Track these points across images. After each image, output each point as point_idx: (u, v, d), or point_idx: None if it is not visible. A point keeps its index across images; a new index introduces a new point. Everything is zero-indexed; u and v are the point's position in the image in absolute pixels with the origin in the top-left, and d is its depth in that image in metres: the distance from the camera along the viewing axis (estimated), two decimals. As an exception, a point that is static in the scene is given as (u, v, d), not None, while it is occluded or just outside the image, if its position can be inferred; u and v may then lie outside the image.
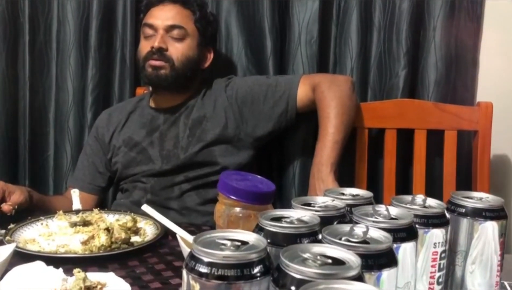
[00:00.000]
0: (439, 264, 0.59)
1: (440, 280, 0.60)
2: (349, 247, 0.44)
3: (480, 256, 0.63)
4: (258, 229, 0.51)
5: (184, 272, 0.44)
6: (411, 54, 1.35)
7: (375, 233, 0.49)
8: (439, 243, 0.59)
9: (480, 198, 0.65)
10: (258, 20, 1.38)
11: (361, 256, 0.43)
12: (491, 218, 0.62)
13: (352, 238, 0.47)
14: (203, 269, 0.42)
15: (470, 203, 0.63)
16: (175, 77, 1.24)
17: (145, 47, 1.26)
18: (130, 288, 0.71)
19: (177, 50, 1.25)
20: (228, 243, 0.44)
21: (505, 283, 0.71)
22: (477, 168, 1.28)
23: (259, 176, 0.79)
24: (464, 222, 0.63)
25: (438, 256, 0.59)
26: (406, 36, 1.34)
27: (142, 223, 1.01)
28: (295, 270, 0.39)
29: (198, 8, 1.29)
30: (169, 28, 1.24)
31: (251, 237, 0.46)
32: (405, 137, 1.33)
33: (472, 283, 0.64)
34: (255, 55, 1.41)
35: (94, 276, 0.72)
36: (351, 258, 0.42)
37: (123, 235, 0.90)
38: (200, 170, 1.23)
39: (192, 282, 0.42)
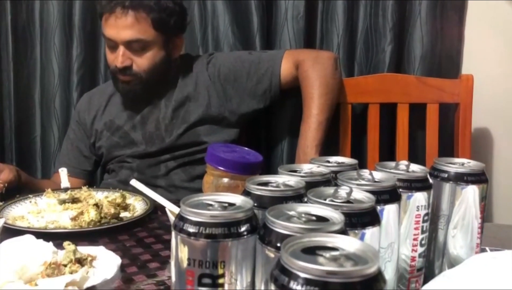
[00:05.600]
0: (422, 227, 0.61)
1: (423, 242, 0.62)
2: (333, 206, 0.45)
3: (461, 220, 0.65)
4: (245, 194, 0.51)
5: (173, 234, 0.44)
6: (397, 29, 1.36)
7: (359, 195, 0.50)
8: (422, 206, 0.60)
9: (462, 163, 0.66)
10: (244, -4, 1.37)
11: (345, 214, 0.43)
12: (473, 182, 0.63)
13: (336, 199, 0.48)
14: (192, 229, 0.42)
15: (452, 168, 0.64)
16: (147, 86, 1.21)
17: (110, 59, 1.22)
18: (120, 260, 0.72)
19: (143, 63, 1.19)
20: (216, 204, 0.45)
21: (487, 248, 0.74)
22: (459, 140, 1.30)
23: (246, 148, 0.80)
24: (447, 187, 0.64)
25: (421, 219, 0.60)
26: (392, 11, 1.34)
27: (131, 199, 1.01)
28: (281, 226, 0.39)
29: (154, 3, 1.16)
30: (128, 44, 1.17)
31: (237, 199, 0.47)
32: (388, 111, 1.34)
33: (454, 246, 0.65)
34: (241, 32, 1.41)
35: (85, 250, 0.72)
36: (335, 215, 0.43)
37: (112, 211, 0.91)
38: (186, 150, 1.23)
39: (180, 242, 0.43)
